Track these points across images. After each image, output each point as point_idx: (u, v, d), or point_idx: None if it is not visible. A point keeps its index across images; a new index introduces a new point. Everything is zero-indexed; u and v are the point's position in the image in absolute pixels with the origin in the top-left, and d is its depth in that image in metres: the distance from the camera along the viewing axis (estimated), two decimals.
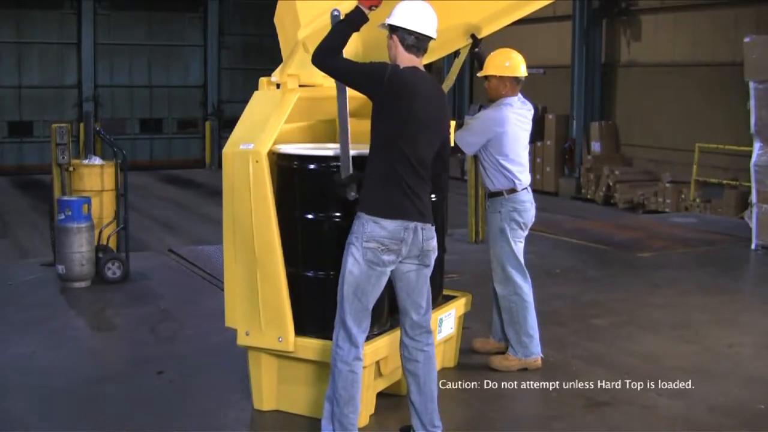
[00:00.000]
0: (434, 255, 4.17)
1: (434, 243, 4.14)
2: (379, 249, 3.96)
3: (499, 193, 5.37)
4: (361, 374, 4.13)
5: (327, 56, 3.94)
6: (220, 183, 4.66)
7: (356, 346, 4.08)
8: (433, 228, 4.15)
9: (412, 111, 3.92)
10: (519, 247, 5.40)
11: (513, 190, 5.36)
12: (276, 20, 4.66)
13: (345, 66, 3.97)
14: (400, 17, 3.94)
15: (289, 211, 4.49)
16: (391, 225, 3.95)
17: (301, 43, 4.28)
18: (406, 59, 3.97)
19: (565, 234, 10.67)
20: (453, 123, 5.36)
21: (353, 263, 3.98)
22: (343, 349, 4.07)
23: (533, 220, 5.50)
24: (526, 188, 5.43)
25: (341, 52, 3.97)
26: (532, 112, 5.53)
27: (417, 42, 3.94)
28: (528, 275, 5.45)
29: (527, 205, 5.41)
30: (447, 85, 5.48)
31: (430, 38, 3.98)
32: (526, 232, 5.48)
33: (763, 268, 9.26)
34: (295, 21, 4.30)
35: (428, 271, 4.20)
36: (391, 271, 4.07)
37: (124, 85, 23.15)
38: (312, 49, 4.01)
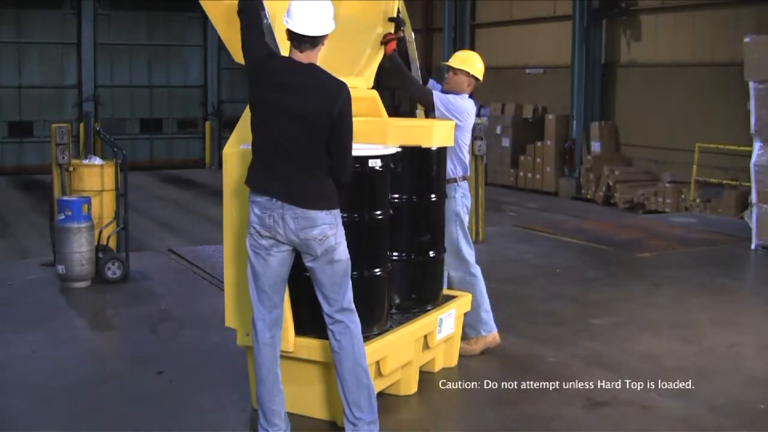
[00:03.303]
0: (321, 246, 4.08)
1: (315, 232, 4.06)
2: (255, 233, 4.13)
3: (453, 180, 5.60)
4: (262, 355, 4.21)
5: (243, 8, 4.20)
6: (220, 183, 4.67)
7: (255, 329, 4.23)
8: (320, 215, 4.06)
9: (268, 98, 4.05)
10: (467, 230, 5.73)
11: (464, 178, 5.69)
12: (232, 50, 4.67)
13: (244, 32, 4.17)
14: (286, 13, 4.09)
15: None
16: (257, 209, 4.08)
17: None
18: (291, 51, 4.12)
19: (565, 234, 10.67)
20: (452, 124, 5.39)
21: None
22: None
23: None
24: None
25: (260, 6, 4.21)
26: (475, 109, 5.88)
27: (296, 37, 4.06)
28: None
29: (470, 193, 5.83)
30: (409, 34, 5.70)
31: (306, 35, 4.04)
32: None
33: (763, 268, 9.26)
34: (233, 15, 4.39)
35: (323, 264, 4.11)
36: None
37: (124, 85, 23.16)
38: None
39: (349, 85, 5.03)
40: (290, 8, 4.06)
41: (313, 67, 4.10)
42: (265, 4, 4.40)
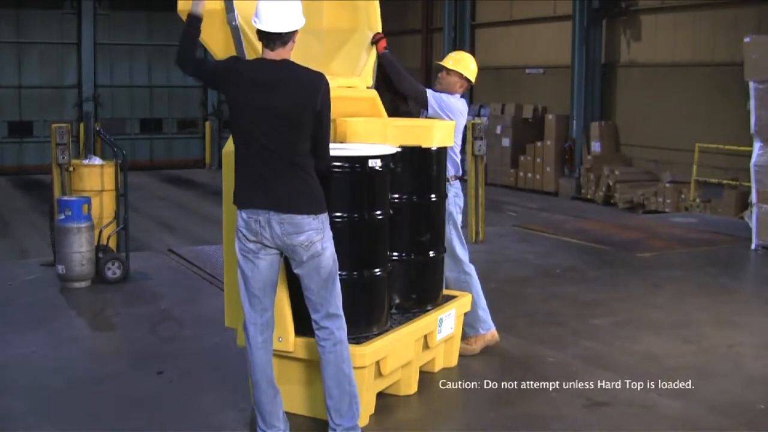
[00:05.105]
0: (307, 252, 4.05)
1: (301, 238, 4.03)
2: (243, 237, 4.12)
3: (446, 179, 5.58)
4: (254, 357, 4.22)
5: (183, 64, 4.36)
6: (220, 183, 4.67)
7: (246, 333, 4.22)
8: (307, 221, 4.02)
9: (247, 99, 4.02)
10: (460, 230, 5.74)
11: (457, 177, 5.70)
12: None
13: (201, 72, 4.34)
14: (254, 15, 4.10)
15: None
16: (244, 213, 4.08)
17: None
18: (263, 51, 4.13)
19: (565, 234, 10.67)
20: (453, 124, 5.40)
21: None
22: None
23: None
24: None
25: (192, 55, 4.35)
26: (467, 109, 5.91)
27: (265, 36, 4.06)
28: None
29: (462, 192, 5.82)
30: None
31: (275, 33, 4.02)
32: None
33: (763, 268, 9.26)
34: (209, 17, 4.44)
35: (309, 270, 4.09)
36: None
37: (124, 85, 23.17)
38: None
39: (348, 85, 5.05)
40: (257, 9, 4.06)
41: (287, 63, 4.07)
42: (235, 5, 4.44)
